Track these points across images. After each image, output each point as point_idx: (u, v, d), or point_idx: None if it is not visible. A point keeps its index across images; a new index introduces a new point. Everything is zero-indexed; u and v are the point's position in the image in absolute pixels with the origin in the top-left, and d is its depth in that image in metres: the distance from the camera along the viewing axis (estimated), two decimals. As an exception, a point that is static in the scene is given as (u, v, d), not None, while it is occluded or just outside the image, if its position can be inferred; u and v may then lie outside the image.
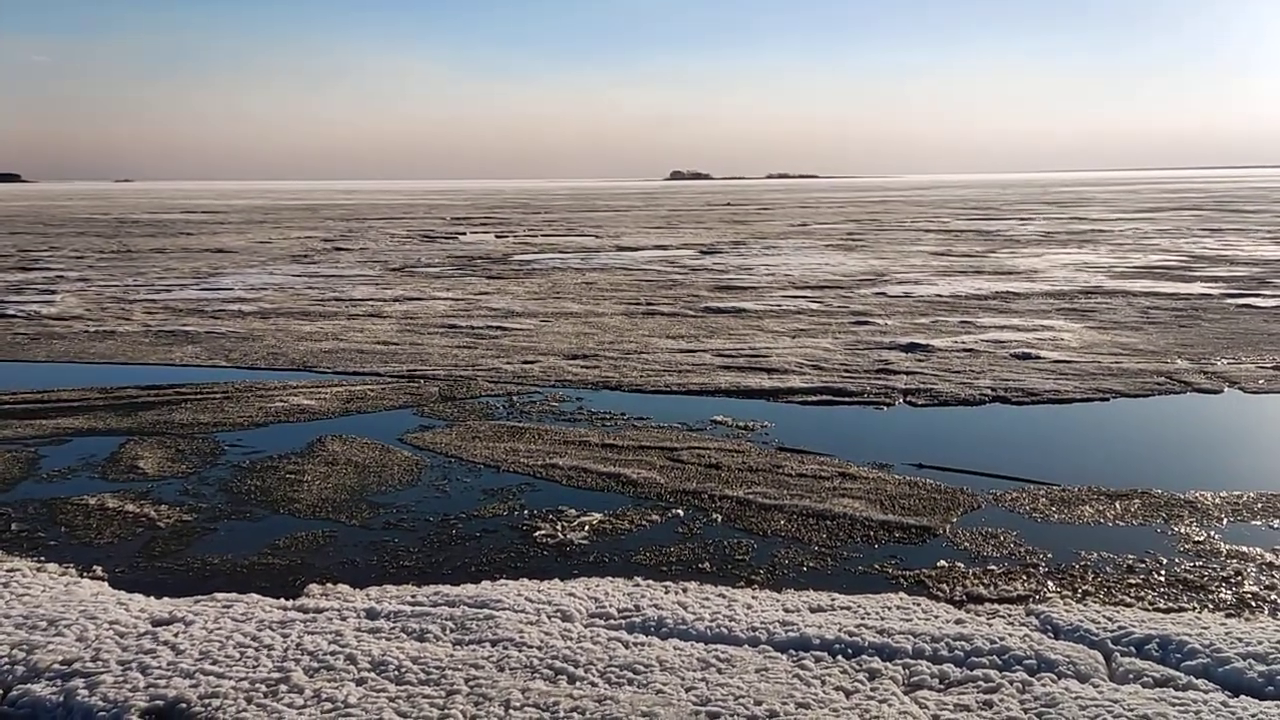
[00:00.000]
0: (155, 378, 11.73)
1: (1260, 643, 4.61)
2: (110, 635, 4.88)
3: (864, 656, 4.59)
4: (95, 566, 6.08)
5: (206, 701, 4.22)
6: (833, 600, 5.32)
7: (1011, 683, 4.33)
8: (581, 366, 12.09)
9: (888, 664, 4.52)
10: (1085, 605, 5.29)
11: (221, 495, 7.47)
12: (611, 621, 5.06)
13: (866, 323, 15.14)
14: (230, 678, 4.41)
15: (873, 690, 4.29)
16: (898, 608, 5.20)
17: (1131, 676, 4.41)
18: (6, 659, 4.62)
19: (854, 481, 7.56)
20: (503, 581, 5.67)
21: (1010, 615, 5.15)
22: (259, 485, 7.66)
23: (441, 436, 8.99)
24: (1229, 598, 5.47)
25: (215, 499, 7.39)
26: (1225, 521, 6.63)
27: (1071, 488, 7.32)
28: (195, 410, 10.03)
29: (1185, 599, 5.47)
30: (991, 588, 5.64)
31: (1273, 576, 5.73)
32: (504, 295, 19.23)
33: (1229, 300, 17.03)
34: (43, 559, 6.21)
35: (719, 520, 6.82)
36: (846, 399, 10.29)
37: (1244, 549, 6.13)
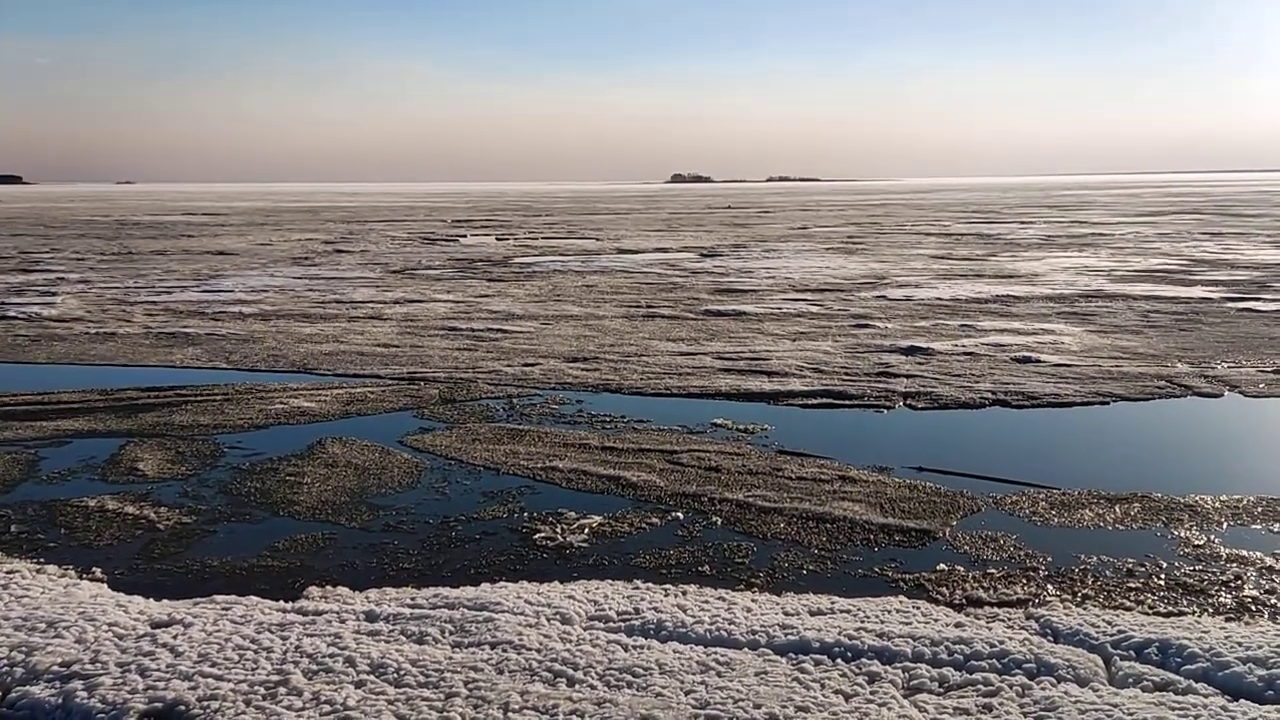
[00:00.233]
0: (155, 379, 11.73)
1: (1260, 647, 4.60)
2: (109, 637, 4.87)
3: (863, 660, 4.59)
4: (94, 568, 6.07)
5: (205, 704, 4.21)
6: (832, 603, 5.31)
7: (1011, 686, 4.33)
8: (582, 369, 12.10)
9: (887, 667, 4.52)
10: (1085, 609, 5.29)
11: (221, 497, 7.47)
12: (611, 624, 5.05)
13: (867, 326, 15.14)
14: (229, 680, 4.41)
15: (872, 693, 4.29)
16: (897, 611, 5.20)
17: (1131, 680, 4.40)
18: (6, 661, 4.62)
19: (854, 485, 7.56)
20: (502, 584, 5.67)
21: (1010, 619, 5.15)
22: (259, 487, 7.66)
23: (441, 439, 8.98)
24: (1229, 602, 5.46)
25: (215, 501, 7.38)
26: (1225, 525, 6.63)
27: (1071, 491, 7.32)
28: (195, 412, 10.04)
29: (1185, 603, 5.46)
30: (991, 591, 5.63)
31: (1273, 580, 5.73)
32: (504, 298, 19.23)
33: (1229, 304, 17.03)
34: (42, 561, 6.20)
35: (719, 523, 6.82)
36: (846, 402, 10.29)
37: (1244, 553, 6.12)
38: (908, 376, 11.34)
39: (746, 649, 4.73)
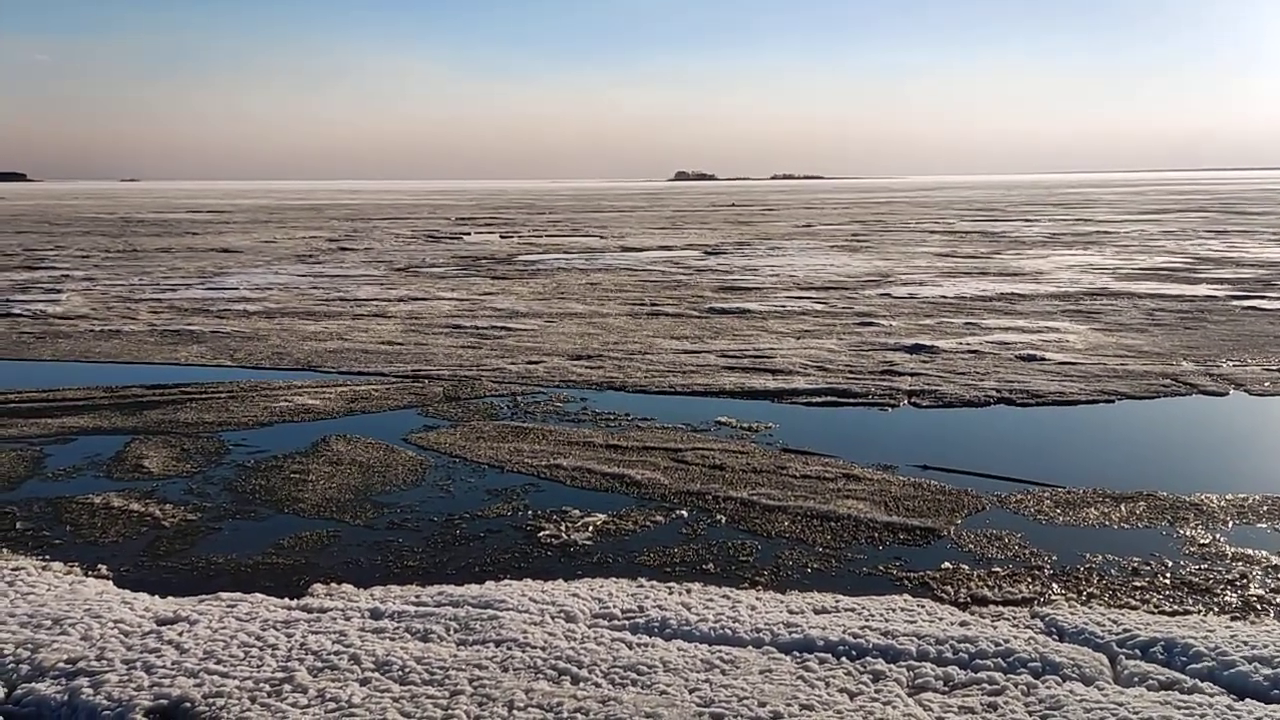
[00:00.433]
0: (160, 377, 11.75)
1: (1266, 646, 4.59)
2: (115, 634, 4.88)
3: (868, 658, 4.59)
4: (100, 565, 6.09)
5: (211, 701, 4.22)
6: (837, 602, 5.31)
7: (1016, 685, 4.32)
8: (586, 367, 12.09)
9: (892, 666, 4.51)
10: (1090, 608, 5.28)
11: (226, 495, 7.48)
12: (615, 622, 5.06)
13: (871, 324, 15.13)
14: (234, 677, 4.42)
15: (877, 692, 4.29)
16: (902, 609, 5.19)
17: (1136, 679, 4.40)
18: (11, 657, 4.63)
19: (858, 483, 7.56)
20: (507, 582, 5.67)
21: (1015, 618, 5.14)
22: (263, 485, 7.67)
23: (446, 436, 8.99)
24: (1234, 600, 5.45)
25: (220, 498, 7.39)
26: (1231, 524, 6.62)
27: (1076, 490, 7.31)
28: (200, 410, 10.05)
29: (1190, 602, 5.45)
30: (996, 590, 5.63)
31: (1278, 579, 5.72)
32: (508, 295, 19.24)
33: (1235, 302, 17.00)
34: (48, 557, 6.22)
35: (723, 521, 6.81)
36: (851, 400, 10.28)
37: (1249, 551, 6.11)
38: (912, 374, 11.33)
39: (751, 647, 4.73)
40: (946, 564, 6.00)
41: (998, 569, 5.93)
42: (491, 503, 7.21)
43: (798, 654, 4.65)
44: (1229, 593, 5.56)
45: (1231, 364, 11.80)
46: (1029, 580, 5.76)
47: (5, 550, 6.32)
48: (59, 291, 20.19)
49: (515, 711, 4.11)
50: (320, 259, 28.23)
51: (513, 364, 12.27)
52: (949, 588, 5.66)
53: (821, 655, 4.63)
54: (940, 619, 5.07)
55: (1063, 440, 9.05)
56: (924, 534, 6.53)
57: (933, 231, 38.27)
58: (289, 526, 6.80)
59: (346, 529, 6.74)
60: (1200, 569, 5.89)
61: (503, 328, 15.15)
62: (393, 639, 4.83)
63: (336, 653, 4.65)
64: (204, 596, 5.45)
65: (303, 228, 44.98)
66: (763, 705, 4.13)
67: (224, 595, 5.45)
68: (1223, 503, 6.98)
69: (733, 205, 75.42)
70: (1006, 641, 4.70)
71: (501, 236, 38.62)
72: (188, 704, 4.21)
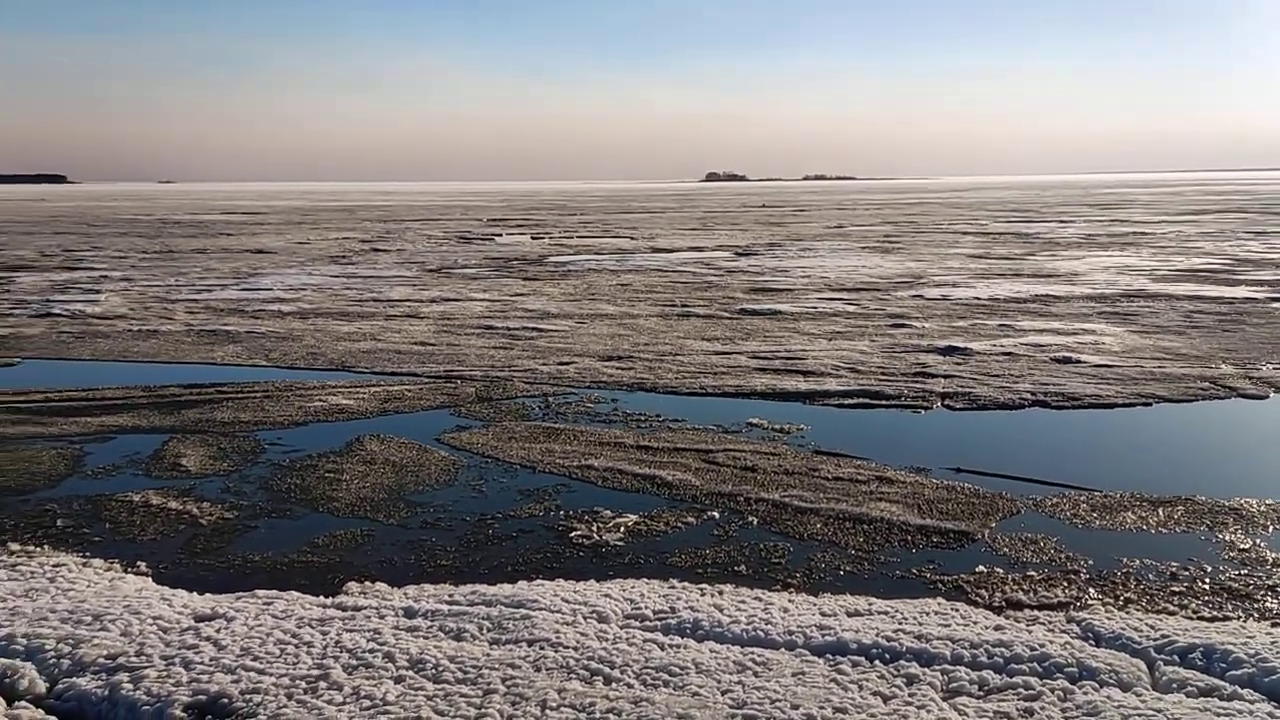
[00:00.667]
0: (197, 376, 11.89)
1: (1308, 653, 4.52)
2: (154, 630, 4.95)
3: (902, 662, 4.56)
4: (139, 562, 6.17)
5: (248, 697, 4.27)
6: (870, 605, 5.28)
7: (1053, 690, 4.28)
8: (617, 368, 12.11)
9: (926, 670, 4.48)
10: (1127, 613, 5.23)
11: (262, 493, 7.55)
12: (647, 623, 5.06)
13: (903, 325, 15.04)
14: (271, 674, 4.47)
15: (910, 696, 4.26)
16: (936, 613, 5.16)
17: (1175, 686, 4.34)
18: (53, 653, 4.70)
19: (891, 485, 7.51)
20: (539, 582, 5.69)
21: (1051, 622, 5.09)
22: (298, 484, 7.74)
23: (478, 437, 9.03)
24: (1275, 606, 5.37)
25: (256, 497, 7.47)
26: (1271, 529, 6.52)
27: (1113, 494, 7.23)
28: (236, 409, 10.16)
29: (1230, 607, 5.38)
30: (1031, 594, 5.57)
31: (1321, 586, 5.62)
32: (540, 296, 19.30)
33: (1274, 304, 16.74)
34: (88, 554, 6.31)
35: (755, 523, 6.80)
36: (883, 402, 10.23)
37: (1291, 557, 6.02)
38: (945, 377, 11.25)
39: (783, 649, 4.72)
40: (981, 567, 5.96)
41: (1033, 573, 5.87)
42: (523, 503, 7.24)
43: (831, 657, 4.63)
44: (1269, 598, 5.48)
45: (1271, 367, 11.62)
46: (1065, 584, 5.71)
47: (46, 547, 6.43)
48: (98, 292, 20.49)
49: (548, 711, 4.12)
50: (353, 260, 28.45)
51: (544, 365, 12.31)
52: (983, 591, 5.62)
53: (855, 658, 4.60)
54: (975, 623, 5.03)
55: (1099, 444, 8.95)
56: (958, 537, 6.49)
57: (966, 232, 37.97)
58: (324, 525, 6.86)
59: (380, 528, 6.79)
60: (1240, 574, 5.80)
61: (534, 329, 15.20)
62: (426, 637, 4.86)
63: (371, 650, 4.69)
64: (241, 594, 5.51)
65: (336, 229, 45.37)
66: (795, 708, 4.11)
67: (260, 593, 5.51)
68: (1263, 507, 6.88)
69: (764, 206, 75.22)
70: (1042, 646, 4.66)
71: (533, 238, 38.75)
72: (225, 700, 4.26)
